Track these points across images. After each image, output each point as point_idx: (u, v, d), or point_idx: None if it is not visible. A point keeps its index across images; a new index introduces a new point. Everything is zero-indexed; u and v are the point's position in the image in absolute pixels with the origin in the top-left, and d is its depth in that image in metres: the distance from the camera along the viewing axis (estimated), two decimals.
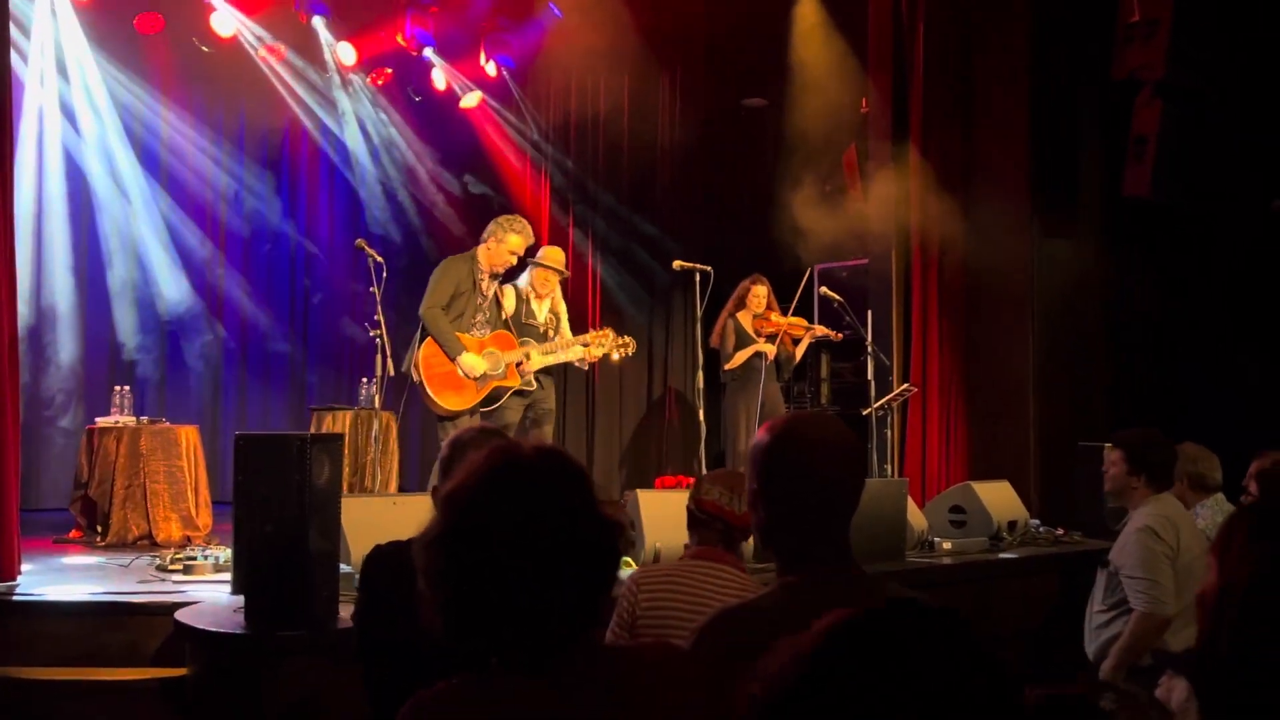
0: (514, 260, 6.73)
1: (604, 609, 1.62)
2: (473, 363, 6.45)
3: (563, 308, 7.23)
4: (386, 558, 2.87)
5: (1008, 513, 6.56)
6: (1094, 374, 8.18)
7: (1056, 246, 8.10)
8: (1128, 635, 4.32)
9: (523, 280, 7.13)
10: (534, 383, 6.79)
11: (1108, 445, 4.69)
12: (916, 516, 6.09)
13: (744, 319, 7.97)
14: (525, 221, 6.82)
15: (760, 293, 7.99)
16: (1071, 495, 7.05)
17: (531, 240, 6.80)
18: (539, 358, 6.75)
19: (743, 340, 7.89)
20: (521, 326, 6.91)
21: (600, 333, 6.99)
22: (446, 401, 6.43)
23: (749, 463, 2.08)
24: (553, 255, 7.23)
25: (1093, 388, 8.14)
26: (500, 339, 6.68)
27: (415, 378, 6.47)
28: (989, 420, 8.02)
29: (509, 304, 6.88)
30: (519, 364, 6.66)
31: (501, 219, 6.80)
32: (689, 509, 3.27)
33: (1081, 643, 4.66)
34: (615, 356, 7.03)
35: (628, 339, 7.02)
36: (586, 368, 7.39)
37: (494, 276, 6.73)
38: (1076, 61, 8.11)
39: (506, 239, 6.62)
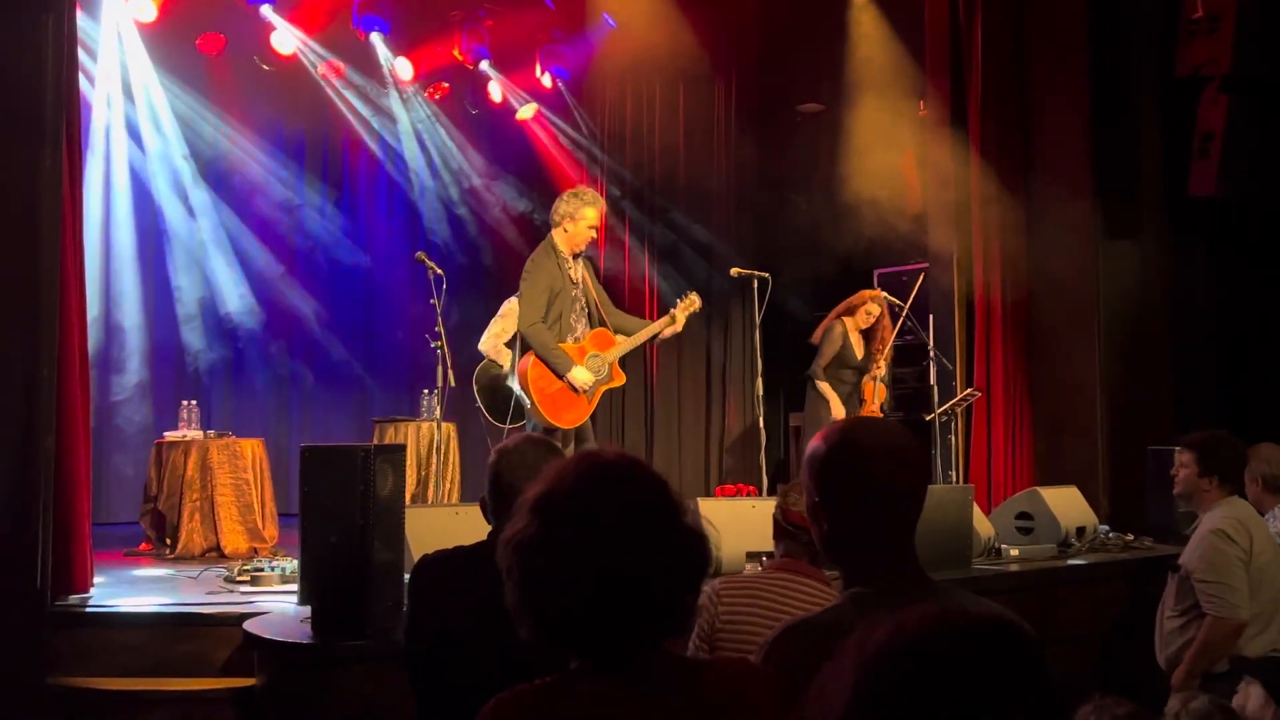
0: (594, 234, 6.26)
1: (688, 619, 1.62)
2: (582, 377, 6.04)
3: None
4: (434, 567, 2.86)
5: (1076, 518, 6.45)
6: (1162, 375, 8.03)
7: (1120, 247, 7.97)
8: (1200, 641, 4.24)
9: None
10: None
11: (1177, 447, 4.61)
12: (983, 523, 6.01)
13: (849, 327, 7.87)
14: (592, 190, 6.21)
15: (874, 311, 7.84)
16: (1142, 500, 6.92)
17: (604, 207, 6.25)
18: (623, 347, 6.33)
19: (841, 352, 7.82)
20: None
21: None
22: (562, 421, 6.04)
23: (805, 472, 2.03)
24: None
25: (1161, 389, 7.99)
26: (599, 338, 6.27)
27: (527, 400, 6.06)
28: (1055, 424, 7.90)
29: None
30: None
31: (568, 194, 6.28)
32: (775, 519, 3.21)
33: (1152, 647, 4.58)
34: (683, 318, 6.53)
35: (692, 297, 6.52)
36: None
37: (576, 257, 6.22)
38: (1136, 59, 7.98)
39: (582, 213, 6.13)
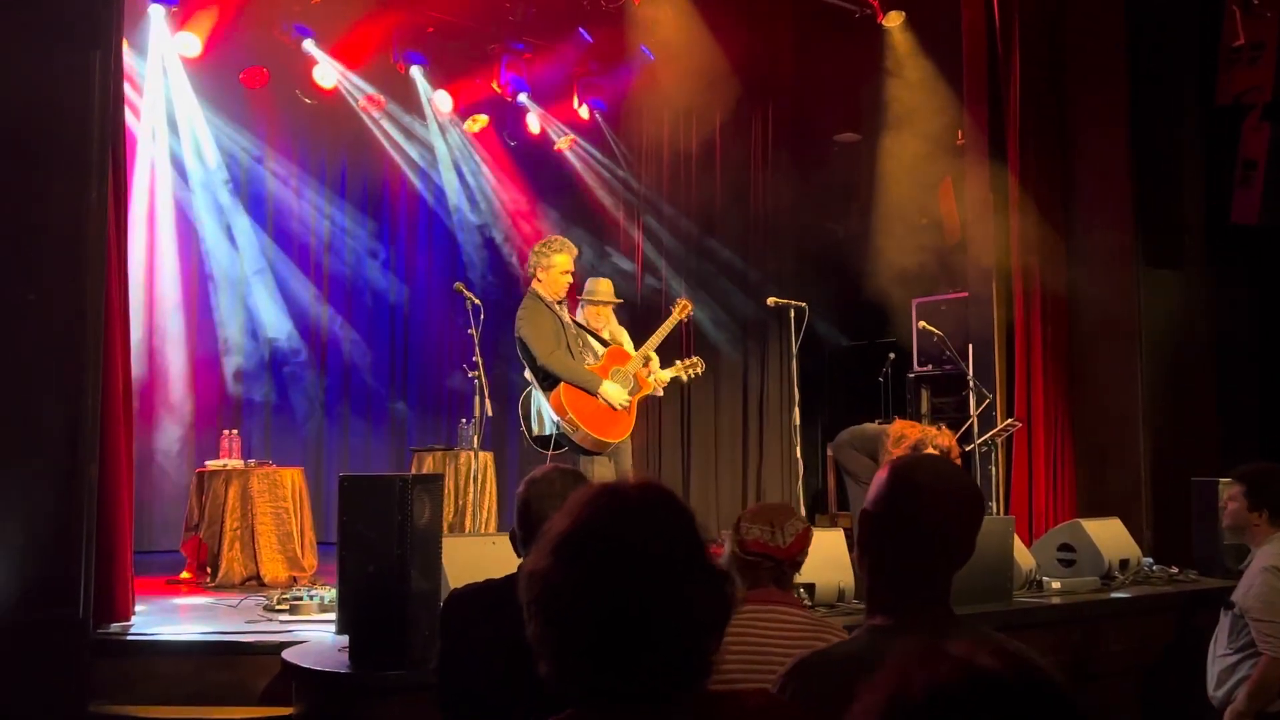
0: (570, 279, 6.47)
1: (711, 662, 1.59)
2: (614, 392, 6.22)
3: (623, 334, 6.93)
4: (466, 602, 2.81)
5: (1119, 551, 6.36)
6: (1205, 404, 7.93)
7: (1162, 276, 7.89)
8: (1255, 680, 4.16)
9: (578, 316, 6.81)
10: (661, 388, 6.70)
11: (1225, 480, 4.54)
12: (1024, 555, 5.93)
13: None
14: (560, 238, 6.57)
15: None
16: (1186, 532, 6.81)
17: (575, 252, 6.54)
18: (658, 370, 6.64)
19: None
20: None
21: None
22: (612, 435, 6.23)
23: (867, 496, 2.04)
24: (602, 288, 6.92)
25: (1205, 418, 7.88)
26: (615, 355, 6.46)
27: (570, 428, 6.14)
28: (1097, 455, 7.80)
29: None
30: (643, 366, 6.52)
31: (537, 247, 6.55)
32: (733, 553, 3.14)
33: (1199, 683, 4.49)
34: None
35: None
36: (660, 393, 7.02)
37: (561, 303, 6.46)
38: (1177, 87, 7.93)
39: (554, 263, 6.38)
